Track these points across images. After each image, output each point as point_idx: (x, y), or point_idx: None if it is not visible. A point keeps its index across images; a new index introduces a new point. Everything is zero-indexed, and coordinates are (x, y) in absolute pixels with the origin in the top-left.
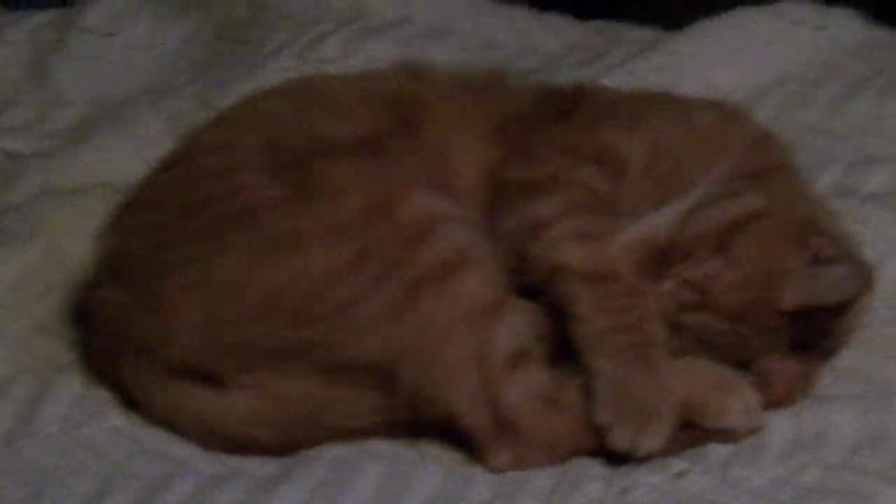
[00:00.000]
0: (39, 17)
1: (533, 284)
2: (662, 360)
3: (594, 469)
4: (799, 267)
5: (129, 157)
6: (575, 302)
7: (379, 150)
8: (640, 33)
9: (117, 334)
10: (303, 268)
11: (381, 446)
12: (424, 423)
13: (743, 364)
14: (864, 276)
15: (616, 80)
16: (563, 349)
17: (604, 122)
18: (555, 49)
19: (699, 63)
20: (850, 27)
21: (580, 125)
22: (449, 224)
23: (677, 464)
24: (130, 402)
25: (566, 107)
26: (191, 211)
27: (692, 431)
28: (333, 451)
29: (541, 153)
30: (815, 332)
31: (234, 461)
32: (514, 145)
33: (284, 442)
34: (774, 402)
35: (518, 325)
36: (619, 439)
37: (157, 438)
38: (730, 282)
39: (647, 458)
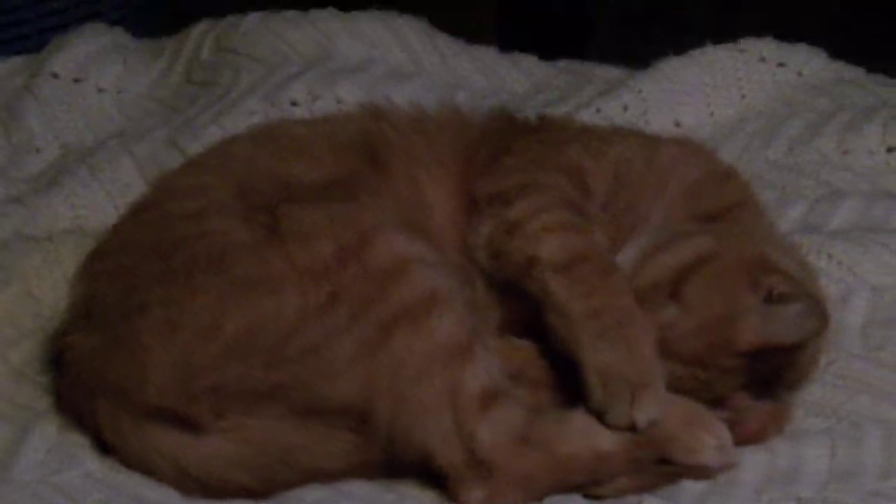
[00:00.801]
0: (6, 64)
1: (510, 283)
2: (642, 333)
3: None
4: (753, 306)
5: (100, 202)
6: (550, 292)
7: (349, 192)
8: (606, 72)
9: (91, 379)
10: (275, 310)
11: (359, 488)
12: (400, 463)
13: (714, 402)
14: (819, 313)
15: (584, 118)
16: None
17: (571, 144)
18: (522, 89)
19: (665, 101)
20: (813, 63)
21: (546, 142)
22: (421, 265)
23: (651, 501)
24: (106, 446)
25: (530, 127)
26: (162, 254)
27: (666, 467)
28: (313, 494)
29: (508, 166)
30: (775, 369)
31: None
32: (481, 168)
33: (262, 485)
34: (748, 439)
35: (490, 364)
36: (616, 419)
37: (133, 483)
38: (686, 328)
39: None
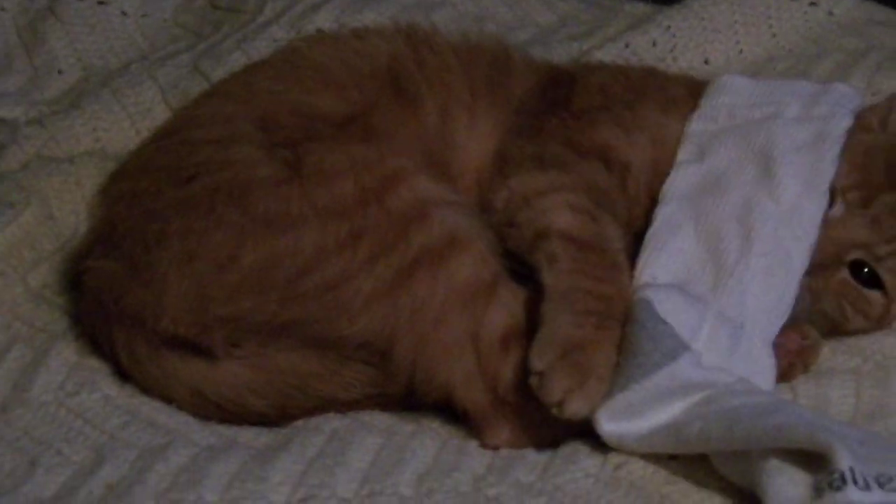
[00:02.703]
0: None
1: (515, 250)
2: (616, 339)
3: (589, 445)
4: None
5: (122, 126)
6: (555, 261)
7: (371, 128)
8: (634, 7)
9: (109, 305)
10: (293, 245)
11: (378, 418)
12: (420, 398)
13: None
14: None
15: (611, 53)
16: None
17: (599, 117)
18: (549, 21)
19: (694, 38)
20: (844, 3)
21: (578, 118)
22: (442, 208)
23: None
24: (123, 371)
25: (563, 94)
26: (183, 179)
27: None
28: (331, 423)
29: (547, 138)
30: None
31: (230, 431)
32: (518, 129)
33: (278, 411)
34: (777, 376)
35: (512, 304)
36: (553, 388)
37: (150, 408)
38: None
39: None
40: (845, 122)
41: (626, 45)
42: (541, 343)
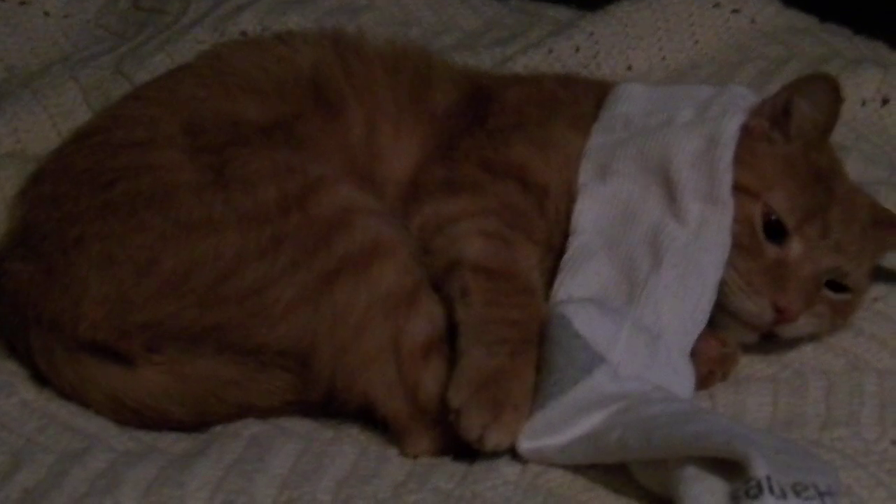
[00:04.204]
0: None
1: (432, 278)
2: (533, 361)
3: (509, 453)
4: None
5: (43, 127)
6: (467, 294)
7: (294, 135)
8: (558, 12)
9: (27, 308)
10: (213, 250)
11: (298, 424)
12: (340, 406)
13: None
14: None
15: (535, 59)
16: None
17: (514, 136)
18: (473, 26)
19: (617, 44)
20: (767, 11)
21: (492, 137)
22: (365, 215)
23: None
24: (41, 375)
25: (479, 112)
26: (104, 183)
27: None
28: (250, 429)
29: (461, 160)
30: None
31: (148, 437)
32: (439, 141)
33: (196, 418)
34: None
35: (433, 313)
36: (471, 424)
37: (68, 412)
38: None
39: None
40: (736, 120)
41: (550, 51)
42: (456, 379)
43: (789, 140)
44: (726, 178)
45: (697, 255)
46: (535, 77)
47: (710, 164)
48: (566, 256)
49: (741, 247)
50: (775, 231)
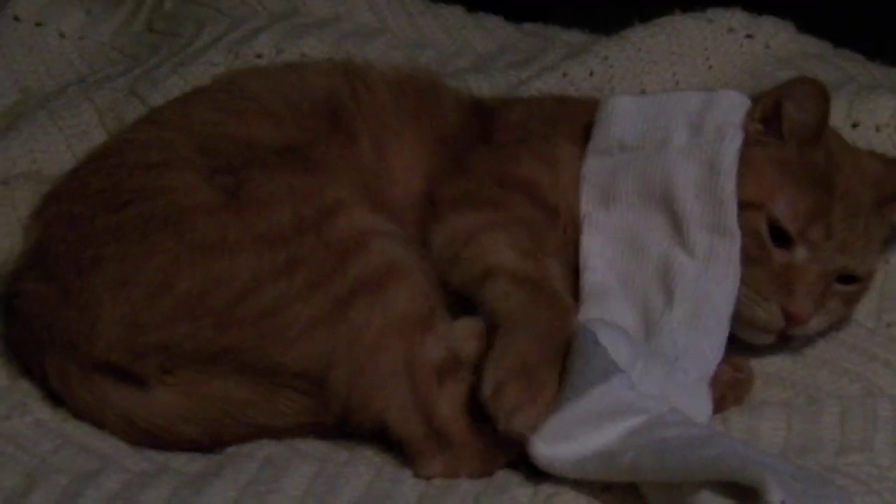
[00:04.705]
0: None
1: (458, 289)
2: (560, 365)
3: (521, 475)
4: None
5: (58, 148)
6: (509, 296)
7: (310, 158)
8: (572, 37)
9: (42, 328)
10: (229, 272)
11: (312, 446)
12: (355, 428)
13: None
14: None
15: (549, 82)
16: None
17: (520, 152)
18: (487, 49)
19: (631, 68)
20: (779, 36)
21: (499, 153)
22: (380, 238)
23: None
24: (55, 395)
25: (485, 130)
26: (119, 204)
27: None
28: (264, 450)
29: (473, 177)
30: None
31: (162, 457)
32: (450, 161)
33: (210, 438)
34: None
35: (448, 336)
36: (506, 398)
37: (82, 433)
38: None
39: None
40: (734, 144)
41: (564, 75)
42: (496, 359)
43: (783, 142)
44: (732, 208)
45: (708, 288)
46: (535, 97)
47: (713, 194)
48: (582, 295)
49: (750, 258)
50: (781, 236)
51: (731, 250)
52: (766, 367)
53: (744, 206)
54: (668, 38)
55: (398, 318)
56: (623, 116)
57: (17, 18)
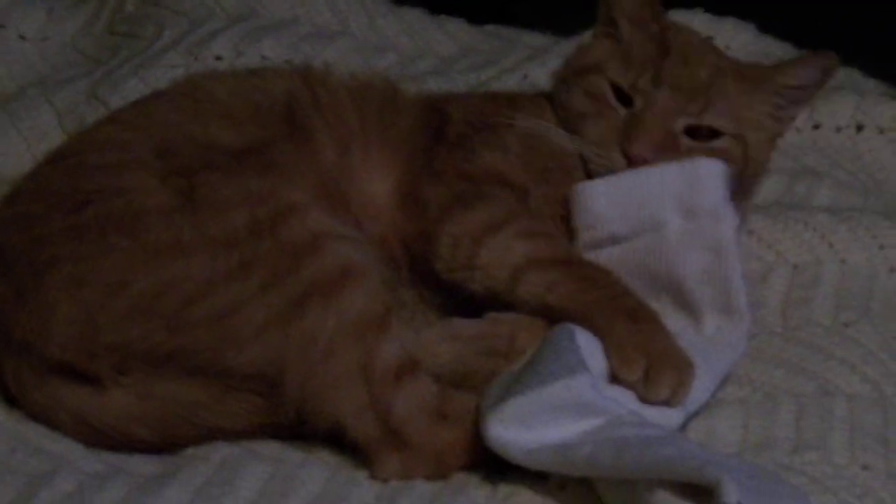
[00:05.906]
0: None
1: (483, 295)
2: (659, 321)
3: (479, 476)
4: None
5: (18, 150)
6: (553, 286)
7: (267, 161)
8: (533, 39)
9: None
10: (182, 273)
11: (268, 447)
12: (310, 429)
13: None
14: None
15: (509, 84)
16: None
17: (474, 144)
18: (449, 52)
19: None
20: (742, 37)
21: (456, 149)
22: (335, 240)
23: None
24: (10, 396)
25: (438, 128)
26: (75, 205)
27: None
28: (220, 452)
29: (443, 177)
30: None
31: (117, 459)
32: (416, 161)
33: (163, 440)
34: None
35: (404, 338)
36: (662, 386)
37: (37, 434)
38: None
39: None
40: (730, 224)
41: (525, 77)
42: (618, 356)
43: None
44: (741, 289)
45: (710, 354)
46: (471, 93)
47: (722, 278)
48: None
49: (599, 116)
50: (624, 97)
51: (738, 328)
52: None
53: (589, 69)
54: None
55: (353, 320)
56: (596, 199)
57: None
